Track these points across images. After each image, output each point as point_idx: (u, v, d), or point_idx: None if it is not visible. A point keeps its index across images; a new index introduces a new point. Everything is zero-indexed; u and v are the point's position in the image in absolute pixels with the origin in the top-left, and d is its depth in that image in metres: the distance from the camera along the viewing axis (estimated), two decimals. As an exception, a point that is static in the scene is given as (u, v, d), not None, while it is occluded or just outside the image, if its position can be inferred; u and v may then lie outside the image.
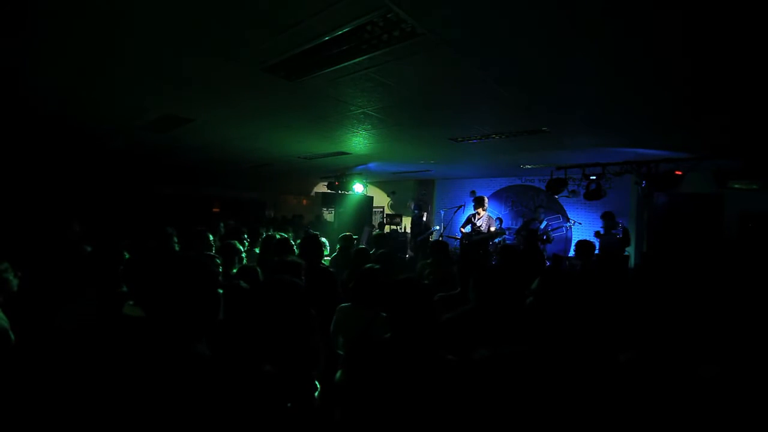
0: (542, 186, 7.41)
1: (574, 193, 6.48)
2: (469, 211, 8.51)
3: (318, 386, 1.91)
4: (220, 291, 1.63)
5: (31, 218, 5.26)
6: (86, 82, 3.17)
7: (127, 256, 2.47)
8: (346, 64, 2.57)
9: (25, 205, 5.98)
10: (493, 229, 6.43)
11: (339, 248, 4.60)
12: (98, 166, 7.40)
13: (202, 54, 2.54)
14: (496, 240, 7.06)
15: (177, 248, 4.01)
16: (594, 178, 6.08)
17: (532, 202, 8.21)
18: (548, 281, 1.55)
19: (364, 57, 2.45)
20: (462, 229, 6.55)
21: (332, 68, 2.65)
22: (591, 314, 1.53)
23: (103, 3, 1.94)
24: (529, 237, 5.92)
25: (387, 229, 10.06)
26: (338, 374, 1.89)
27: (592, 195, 6.10)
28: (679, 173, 5.23)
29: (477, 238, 6.13)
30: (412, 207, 9.76)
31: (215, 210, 9.24)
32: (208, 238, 3.81)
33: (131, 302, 1.98)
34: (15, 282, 2.01)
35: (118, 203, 7.38)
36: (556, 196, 7.31)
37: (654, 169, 5.55)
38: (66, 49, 2.53)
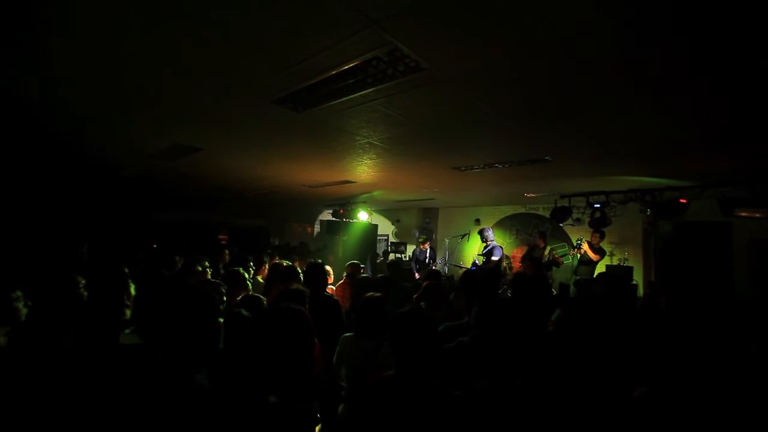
0: (546, 214, 7.42)
1: (579, 221, 6.46)
2: (474, 239, 8.55)
3: (319, 419, 1.85)
4: (221, 320, 1.62)
5: (42, 242, 5.31)
6: (104, 113, 3.29)
7: (132, 285, 2.48)
8: (352, 96, 2.65)
9: (36, 230, 6.05)
10: (494, 259, 6.53)
11: (345, 276, 4.58)
12: (108, 193, 7.53)
13: (216, 87, 2.64)
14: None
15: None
16: (598, 206, 6.08)
17: (537, 230, 8.18)
18: (571, 312, 1.53)
19: (369, 90, 2.53)
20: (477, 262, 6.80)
21: (339, 100, 2.74)
22: (609, 346, 1.49)
23: (126, 45, 2.04)
24: (534, 265, 5.87)
25: (392, 257, 10.02)
26: (341, 408, 1.83)
27: (597, 223, 6.07)
28: (684, 201, 5.22)
29: (474, 269, 6.30)
30: (416, 235, 9.76)
31: (221, 237, 9.27)
32: (197, 269, 3.77)
33: (128, 330, 1.96)
34: (24, 311, 2.01)
35: (126, 229, 7.45)
36: (561, 224, 7.30)
37: (658, 197, 5.55)
38: (88, 84, 2.65)
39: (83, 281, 2.51)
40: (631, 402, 1.44)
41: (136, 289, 2.45)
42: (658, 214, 5.57)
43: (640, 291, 6.79)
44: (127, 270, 3.25)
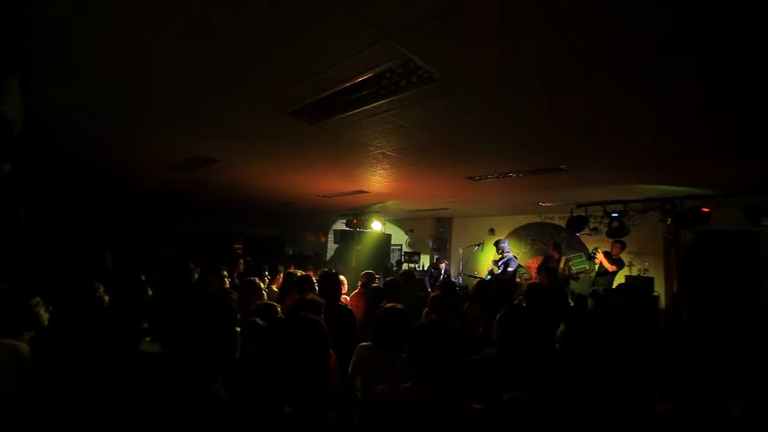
0: (562, 224, 7.31)
1: (596, 230, 6.33)
2: (489, 249, 8.54)
3: (333, 429, 1.84)
4: (238, 329, 1.63)
5: (66, 251, 5.48)
6: (125, 127, 3.42)
7: (150, 292, 2.53)
8: (365, 107, 2.68)
9: (60, 239, 6.25)
10: (510, 270, 6.49)
11: (360, 285, 4.59)
12: (128, 204, 7.75)
13: (232, 100, 2.71)
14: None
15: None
16: (616, 215, 5.95)
17: (552, 240, 8.05)
18: (575, 327, 1.49)
19: (383, 101, 2.56)
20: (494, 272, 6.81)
21: (352, 112, 2.77)
22: (623, 361, 1.45)
23: (141, 59, 2.13)
24: (549, 275, 5.76)
25: (405, 266, 9.99)
26: (355, 418, 1.82)
27: (615, 233, 5.93)
28: (706, 210, 5.07)
29: (489, 279, 6.31)
30: (430, 245, 9.71)
31: (236, 246, 9.40)
32: (212, 281, 3.84)
33: (148, 338, 2.00)
34: (46, 316, 2.07)
35: (144, 239, 7.63)
36: (578, 234, 7.16)
37: (679, 205, 5.40)
38: (107, 99, 2.76)
39: (102, 288, 2.58)
40: (653, 419, 1.39)
41: (153, 297, 2.51)
42: (680, 224, 5.41)
43: (662, 303, 6.59)
44: (143, 278, 3.34)
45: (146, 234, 7.84)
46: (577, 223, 6.28)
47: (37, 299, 2.10)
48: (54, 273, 3.90)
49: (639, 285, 6.40)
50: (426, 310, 3.22)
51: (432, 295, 3.38)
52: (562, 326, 1.53)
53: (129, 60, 2.16)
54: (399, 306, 2.38)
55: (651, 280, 6.59)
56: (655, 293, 6.50)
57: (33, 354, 1.84)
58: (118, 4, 1.67)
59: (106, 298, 2.53)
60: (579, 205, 6.42)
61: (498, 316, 2.07)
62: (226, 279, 4.03)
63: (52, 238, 6.20)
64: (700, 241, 6.51)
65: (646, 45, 1.79)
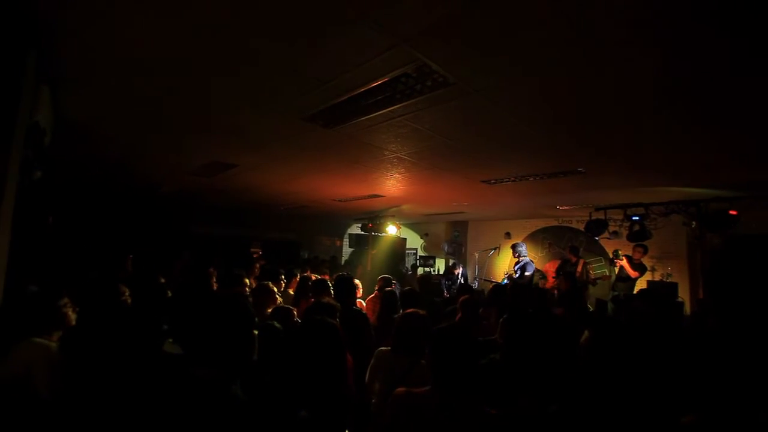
0: (580, 227, 7.16)
1: (616, 234, 6.16)
2: (505, 253, 8.45)
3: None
4: (256, 332, 1.65)
5: (92, 255, 5.67)
6: (148, 136, 3.54)
7: (169, 294, 2.59)
8: (381, 112, 2.70)
9: (86, 244, 6.46)
10: (527, 274, 6.40)
11: (377, 290, 4.59)
12: (149, 209, 7.97)
13: (250, 107, 2.76)
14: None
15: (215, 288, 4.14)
16: (637, 218, 5.78)
17: (569, 244, 7.89)
18: (601, 335, 1.46)
19: (398, 105, 2.57)
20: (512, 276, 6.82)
21: (368, 116, 2.79)
22: (649, 370, 1.41)
23: (170, 72, 2.19)
24: (567, 279, 5.62)
25: (420, 270, 9.94)
26: (371, 423, 1.82)
27: (637, 237, 5.76)
28: (734, 213, 4.87)
29: (505, 283, 6.28)
30: (446, 249, 9.65)
31: (253, 250, 9.53)
32: (244, 281, 3.90)
33: (171, 339, 2.05)
34: (73, 317, 2.14)
35: (164, 243, 7.81)
36: (597, 238, 7.01)
37: (704, 208, 5.21)
38: (131, 109, 2.86)
39: (127, 291, 2.66)
40: (679, 430, 1.34)
41: (172, 299, 2.57)
42: (705, 227, 5.21)
43: (686, 309, 6.37)
44: (163, 280, 3.42)
45: (166, 237, 8.03)
46: (596, 227, 6.13)
47: (66, 300, 2.18)
48: (80, 275, 4.03)
49: (662, 290, 6.20)
50: (459, 315, 3.22)
51: (462, 298, 3.36)
52: (586, 333, 1.50)
53: (155, 73, 2.23)
54: (421, 312, 2.33)
55: (674, 286, 6.38)
56: (680, 299, 6.29)
57: (61, 353, 1.91)
58: (143, 17, 1.73)
59: (129, 300, 2.60)
60: (598, 209, 6.27)
61: (501, 320, 2.03)
62: (246, 282, 4.07)
63: (78, 241, 6.41)
64: (728, 245, 6.26)
65: (662, 44, 1.75)
